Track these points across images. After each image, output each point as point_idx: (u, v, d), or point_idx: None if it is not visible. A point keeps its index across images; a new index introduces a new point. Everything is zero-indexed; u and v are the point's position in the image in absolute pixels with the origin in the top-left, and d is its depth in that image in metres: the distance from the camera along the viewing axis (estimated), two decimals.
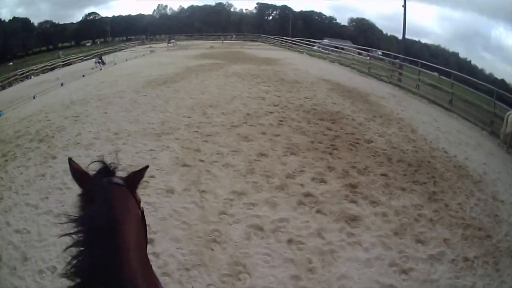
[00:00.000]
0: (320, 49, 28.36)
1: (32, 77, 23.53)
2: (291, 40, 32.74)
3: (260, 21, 52.49)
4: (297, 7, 48.62)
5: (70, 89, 12.86)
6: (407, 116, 9.36)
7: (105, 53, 31.45)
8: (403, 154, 6.70)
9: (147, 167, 1.18)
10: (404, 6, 17.32)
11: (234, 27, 50.26)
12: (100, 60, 21.84)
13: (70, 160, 1.07)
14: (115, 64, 21.17)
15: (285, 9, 50.79)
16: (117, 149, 6.33)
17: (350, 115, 8.76)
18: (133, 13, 48.68)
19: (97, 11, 46.27)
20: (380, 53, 24.19)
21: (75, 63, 28.44)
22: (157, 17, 52.46)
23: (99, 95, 10.87)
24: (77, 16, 43.92)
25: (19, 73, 22.46)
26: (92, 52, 31.81)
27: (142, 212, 1.11)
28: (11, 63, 27.48)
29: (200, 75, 13.46)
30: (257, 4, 53.11)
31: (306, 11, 49.53)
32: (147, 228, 1.19)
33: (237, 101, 9.44)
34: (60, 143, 6.96)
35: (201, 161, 5.91)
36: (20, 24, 38.60)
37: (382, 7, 42.30)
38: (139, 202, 1.11)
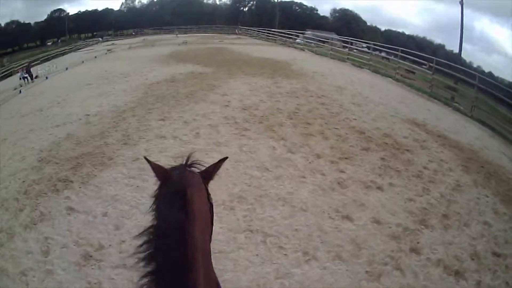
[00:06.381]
0: (304, 41, 22.31)
1: None
2: (280, 33, 25.46)
3: (235, 12, 45.24)
4: None
5: None
6: None
7: (47, 59, 22.66)
8: None
9: (225, 158, 1.01)
10: (461, 2, 11.08)
11: (207, 19, 43.02)
12: (26, 75, 13.39)
13: (147, 159, 0.97)
14: (46, 78, 13.17)
15: None
16: None
17: None
18: (100, 8, 40.26)
19: (69, 7, 37.29)
20: (364, 45, 18.53)
21: (18, 72, 19.67)
22: (125, 11, 44.19)
23: None
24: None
25: None
26: (41, 55, 23.45)
27: (211, 205, 0.96)
28: None
29: (170, 122, 6.12)
30: None
31: (285, 1, 42.60)
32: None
33: None
34: None
35: None
36: None
37: None
38: (209, 194, 0.96)
